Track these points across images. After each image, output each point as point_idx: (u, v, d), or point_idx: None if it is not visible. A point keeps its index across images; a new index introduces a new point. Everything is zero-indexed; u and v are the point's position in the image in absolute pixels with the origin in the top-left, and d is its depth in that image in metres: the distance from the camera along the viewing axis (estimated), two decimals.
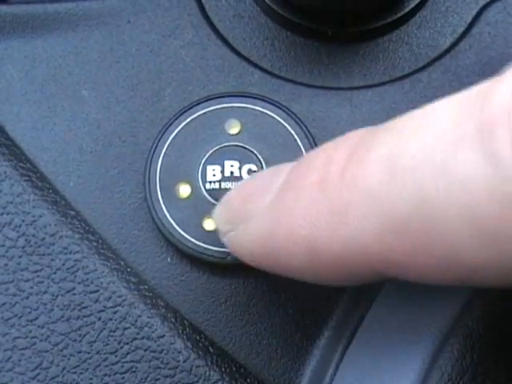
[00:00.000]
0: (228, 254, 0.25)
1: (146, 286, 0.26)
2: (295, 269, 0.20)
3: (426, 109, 0.17)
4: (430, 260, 0.17)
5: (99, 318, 0.25)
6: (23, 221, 0.25)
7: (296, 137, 0.26)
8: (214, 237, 0.25)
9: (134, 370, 0.25)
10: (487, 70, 0.26)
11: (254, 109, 0.26)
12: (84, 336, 0.25)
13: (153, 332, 0.25)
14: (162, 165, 0.26)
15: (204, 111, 0.26)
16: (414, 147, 0.17)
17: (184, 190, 0.26)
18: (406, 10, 0.27)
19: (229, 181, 0.25)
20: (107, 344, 0.25)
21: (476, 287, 0.20)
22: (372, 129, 0.19)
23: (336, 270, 0.19)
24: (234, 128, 0.26)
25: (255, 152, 0.26)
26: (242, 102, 0.26)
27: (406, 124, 0.18)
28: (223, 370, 0.25)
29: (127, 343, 0.25)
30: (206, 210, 0.25)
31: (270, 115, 0.26)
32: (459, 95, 0.17)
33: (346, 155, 0.18)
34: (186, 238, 0.25)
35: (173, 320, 0.25)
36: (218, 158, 0.26)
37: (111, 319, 0.25)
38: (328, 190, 0.18)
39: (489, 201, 0.16)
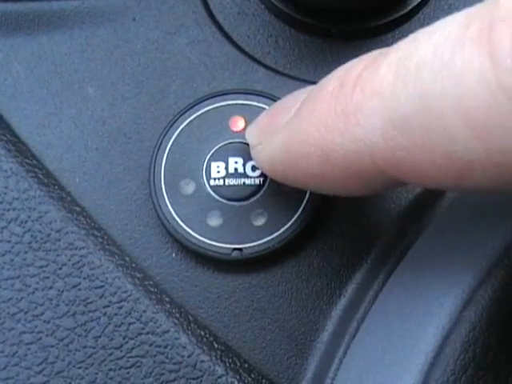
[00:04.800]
0: (232, 249, 0.25)
1: (151, 282, 0.26)
2: (311, 178, 0.21)
3: (443, 19, 0.18)
4: (430, 155, 0.18)
5: (104, 314, 0.25)
6: (29, 217, 0.26)
7: None
8: (218, 233, 0.25)
9: (138, 364, 0.25)
10: None
11: (258, 106, 0.26)
12: (89, 331, 0.25)
13: (157, 327, 0.25)
14: (166, 161, 0.26)
15: (208, 108, 0.26)
16: (422, 49, 0.18)
17: (188, 187, 0.26)
18: (409, 7, 0.27)
19: (233, 177, 0.26)
20: (112, 339, 0.25)
21: (468, 191, 0.20)
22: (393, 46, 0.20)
23: (346, 173, 0.20)
24: (238, 125, 0.26)
25: None
26: (247, 99, 0.26)
27: (420, 32, 0.19)
28: (227, 365, 0.25)
29: (132, 338, 0.25)
30: (211, 206, 0.26)
31: None
32: (473, 6, 0.18)
33: (364, 65, 0.20)
34: (191, 234, 0.26)
35: (177, 315, 0.25)
36: (222, 155, 0.26)
37: (116, 314, 0.25)
38: (342, 94, 0.20)
39: (482, 91, 0.17)
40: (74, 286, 0.25)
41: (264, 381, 0.25)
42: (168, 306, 0.25)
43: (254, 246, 0.25)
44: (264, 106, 0.26)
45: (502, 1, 0.17)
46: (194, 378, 0.25)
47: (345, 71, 0.20)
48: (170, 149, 0.26)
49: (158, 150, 0.26)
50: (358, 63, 0.20)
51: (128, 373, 0.25)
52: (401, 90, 0.18)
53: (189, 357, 0.25)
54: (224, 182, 0.26)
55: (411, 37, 0.19)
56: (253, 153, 0.24)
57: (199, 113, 0.26)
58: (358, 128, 0.19)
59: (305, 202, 0.25)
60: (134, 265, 0.26)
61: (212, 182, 0.26)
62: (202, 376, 0.25)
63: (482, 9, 0.17)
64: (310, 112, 0.21)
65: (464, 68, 0.17)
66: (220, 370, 0.25)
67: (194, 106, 0.26)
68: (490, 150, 0.17)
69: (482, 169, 0.17)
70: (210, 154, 0.26)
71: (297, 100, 0.22)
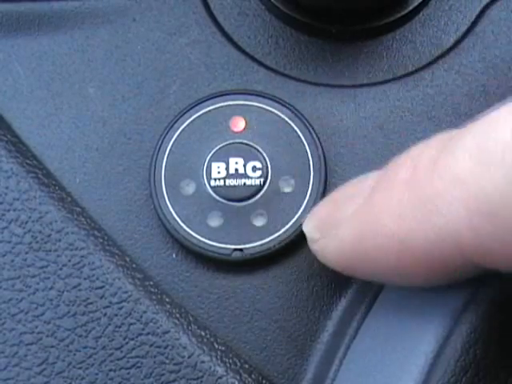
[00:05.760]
0: (232, 250, 0.25)
1: (151, 282, 0.26)
2: (385, 270, 0.20)
3: None
4: None
5: (105, 314, 0.25)
6: (30, 217, 0.26)
7: (300, 134, 0.26)
8: (218, 233, 0.25)
9: (139, 365, 0.25)
10: (490, 67, 0.26)
11: (258, 106, 0.26)
12: (90, 331, 0.25)
13: (158, 328, 0.25)
14: (167, 162, 0.26)
15: (209, 109, 0.26)
16: (502, 131, 0.17)
17: (189, 187, 0.26)
18: (410, 8, 0.27)
19: (233, 178, 0.26)
20: (113, 339, 0.25)
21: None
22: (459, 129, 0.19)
23: (427, 264, 0.19)
24: (238, 125, 0.26)
25: (260, 149, 0.26)
26: (247, 100, 0.26)
27: (492, 114, 0.18)
28: (228, 365, 0.25)
29: (132, 339, 0.25)
30: (211, 206, 0.26)
31: (274, 113, 0.26)
32: None
33: (437, 150, 0.19)
34: (191, 235, 0.26)
35: (178, 316, 0.25)
36: (222, 156, 0.26)
37: (117, 315, 0.25)
38: (417, 182, 0.19)
39: None
40: (75, 287, 0.25)
41: (264, 381, 0.25)
42: (168, 306, 0.25)
43: (254, 247, 0.25)
44: (264, 106, 0.26)
45: None
46: (194, 379, 0.25)
47: (413, 157, 0.19)
48: (170, 149, 0.26)
49: (159, 150, 0.26)
50: (426, 148, 0.19)
51: (128, 373, 0.25)
52: (485, 176, 0.17)
53: (189, 357, 0.25)
54: (224, 182, 0.26)
55: (487, 117, 0.18)
56: (314, 247, 0.23)
57: (200, 113, 0.26)
58: (438, 217, 0.18)
59: (305, 202, 0.25)
60: (134, 265, 0.26)
61: (212, 183, 0.26)
62: (202, 376, 0.25)
63: None
64: (382, 201, 0.20)
65: None
66: (220, 370, 0.25)
67: (195, 106, 0.26)
68: None
69: None
70: (210, 154, 0.26)
71: (360, 188, 0.21)
